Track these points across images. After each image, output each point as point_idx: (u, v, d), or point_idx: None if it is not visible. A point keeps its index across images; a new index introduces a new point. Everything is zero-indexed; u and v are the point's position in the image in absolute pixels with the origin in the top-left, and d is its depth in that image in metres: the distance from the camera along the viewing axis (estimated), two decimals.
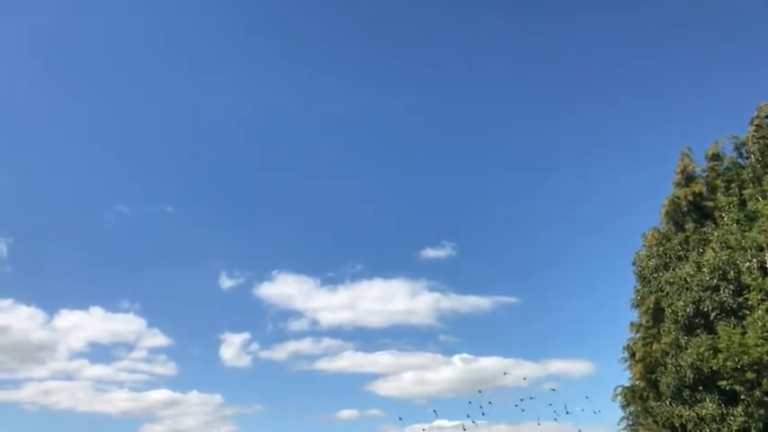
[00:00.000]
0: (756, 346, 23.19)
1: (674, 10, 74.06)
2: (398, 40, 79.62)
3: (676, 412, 26.23)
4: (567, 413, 30.97)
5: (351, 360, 60.68)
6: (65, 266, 72.10)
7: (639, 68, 76.14)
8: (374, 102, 78.75)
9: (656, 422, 27.58)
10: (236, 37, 78.88)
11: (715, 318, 25.81)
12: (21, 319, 60.75)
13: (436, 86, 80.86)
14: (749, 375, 24.06)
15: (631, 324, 31.05)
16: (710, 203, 29.12)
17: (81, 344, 60.33)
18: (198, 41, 78.00)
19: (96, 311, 62.44)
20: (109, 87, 78.38)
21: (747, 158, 28.56)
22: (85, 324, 61.36)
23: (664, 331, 27.84)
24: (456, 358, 59.29)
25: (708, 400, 25.40)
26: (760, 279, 24.36)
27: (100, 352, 62.63)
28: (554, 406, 31.14)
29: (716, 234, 27.39)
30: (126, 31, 76.27)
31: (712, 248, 26.87)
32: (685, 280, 27.09)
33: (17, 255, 64.24)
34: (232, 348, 62.85)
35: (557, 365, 57.36)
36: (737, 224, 26.45)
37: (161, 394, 58.99)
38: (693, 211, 29.55)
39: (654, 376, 28.15)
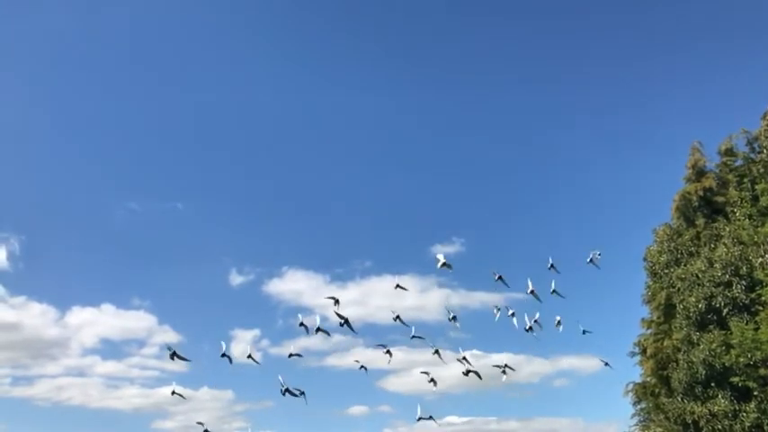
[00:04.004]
0: None
1: (684, 5, 73.45)
2: (409, 43, 79.42)
3: (688, 408, 26.12)
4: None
5: (361, 356, 60.50)
6: (76, 264, 72.34)
7: (649, 65, 75.58)
8: (384, 101, 78.52)
9: (667, 418, 27.48)
10: (248, 36, 78.88)
11: (727, 314, 25.66)
12: (33, 316, 61.17)
13: (446, 86, 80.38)
14: (762, 371, 23.95)
15: (642, 320, 30.94)
16: (721, 198, 28.89)
17: (93, 340, 60.70)
18: (210, 40, 78.00)
19: (107, 308, 62.78)
20: (117, 85, 78.56)
21: (759, 153, 28.32)
22: (97, 321, 61.69)
23: (675, 327, 27.71)
24: (467, 354, 59.19)
25: (720, 396, 25.28)
26: None
27: (111, 348, 62.94)
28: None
29: (728, 229, 27.19)
30: (136, 28, 76.34)
31: (724, 244, 26.68)
32: (697, 276, 26.92)
33: (29, 252, 64.51)
34: (242, 345, 63.17)
35: (567, 362, 57.25)
36: (750, 219, 26.29)
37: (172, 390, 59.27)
38: (704, 207, 29.30)
39: (665, 372, 28.04)
